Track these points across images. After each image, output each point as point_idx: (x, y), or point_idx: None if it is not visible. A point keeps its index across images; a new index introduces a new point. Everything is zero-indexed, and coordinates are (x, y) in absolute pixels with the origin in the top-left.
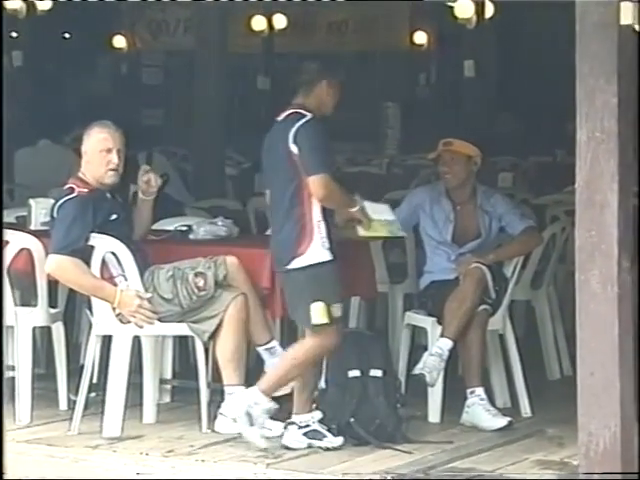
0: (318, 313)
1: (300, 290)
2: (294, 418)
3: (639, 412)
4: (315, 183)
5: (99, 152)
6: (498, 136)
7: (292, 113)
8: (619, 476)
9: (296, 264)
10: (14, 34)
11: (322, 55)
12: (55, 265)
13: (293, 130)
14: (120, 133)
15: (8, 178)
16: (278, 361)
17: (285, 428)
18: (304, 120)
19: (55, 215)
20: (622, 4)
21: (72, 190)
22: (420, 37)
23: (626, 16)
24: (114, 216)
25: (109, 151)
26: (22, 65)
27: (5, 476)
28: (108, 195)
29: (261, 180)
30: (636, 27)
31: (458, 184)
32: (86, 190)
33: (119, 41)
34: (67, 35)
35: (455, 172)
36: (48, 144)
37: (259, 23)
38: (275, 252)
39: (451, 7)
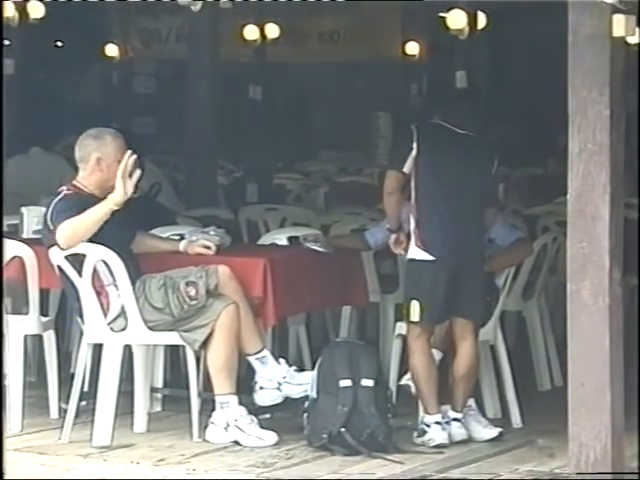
0: None
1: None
2: (455, 414)
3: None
4: (494, 213)
5: (117, 162)
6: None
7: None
8: None
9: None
10: (6, 42)
11: (313, 65)
12: (60, 234)
13: (493, 154)
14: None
15: None
16: (465, 377)
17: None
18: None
19: (51, 221)
20: (614, 16)
21: (60, 193)
22: (412, 47)
23: (618, 28)
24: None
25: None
26: (13, 73)
27: (5, 476)
28: None
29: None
30: (628, 39)
31: None
32: (72, 192)
33: (111, 49)
34: (59, 43)
35: None
36: (39, 152)
37: (251, 32)
38: (469, 244)
39: (443, 18)
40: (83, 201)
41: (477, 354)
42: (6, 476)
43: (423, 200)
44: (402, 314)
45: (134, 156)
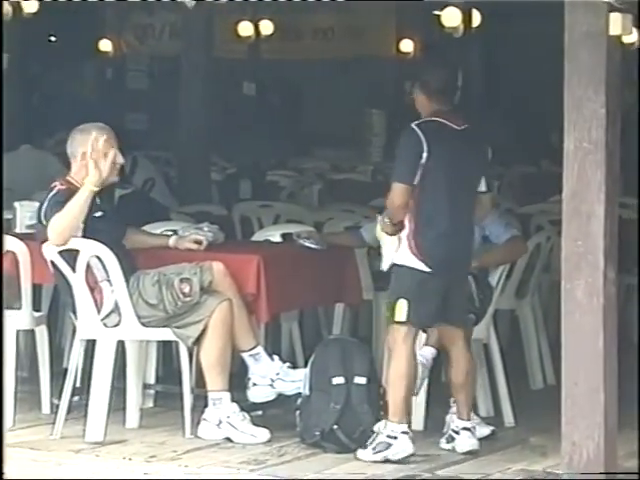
0: None
1: None
2: (464, 423)
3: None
4: (492, 200)
5: (105, 154)
6: None
7: (469, 126)
8: None
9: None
10: None
11: (307, 62)
12: (50, 233)
13: (488, 146)
14: (112, 132)
15: None
16: (466, 384)
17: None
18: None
19: (44, 218)
20: (611, 15)
21: (53, 188)
22: (406, 45)
23: (615, 27)
24: (99, 213)
25: (112, 152)
26: (7, 68)
27: (5, 476)
28: (97, 198)
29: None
30: (624, 38)
31: None
32: (65, 187)
33: (105, 45)
34: (53, 38)
35: None
36: (29, 149)
37: (246, 29)
38: (464, 253)
39: (438, 15)
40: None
41: (472, 358)
42: (6, 476)
43: (427, 208)
44: (386, 314)
45: (103, 137)
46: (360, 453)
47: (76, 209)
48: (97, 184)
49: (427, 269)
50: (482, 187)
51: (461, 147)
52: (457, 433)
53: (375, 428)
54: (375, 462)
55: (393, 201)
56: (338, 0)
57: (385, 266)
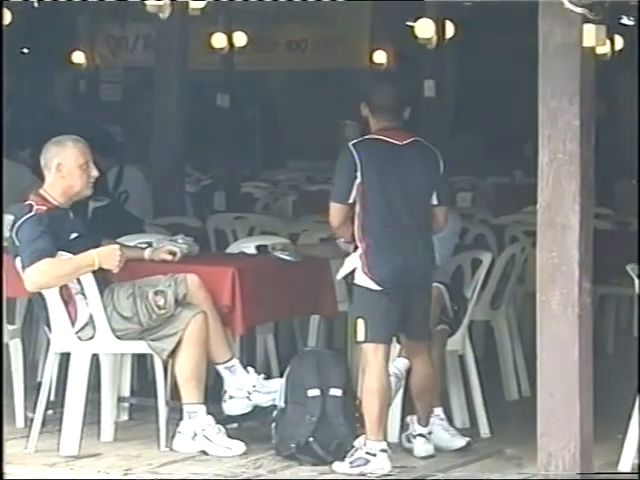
0: None
1: None
2: (420, 429)
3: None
4: (445, 213)
5: (79, 167)
6: (457, 156)
7: (416, 140)
8: None
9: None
10: None
11: (281, 73)
12: (32, 277)
13: (439, 158)
14: (87, 145)
15: None
16: (423, 392)
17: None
18: (437, 151)
19: (16, 237)
20: (585, 26)
21: (30, 208)
22: (380, 56)
23: (589, 38)
24: (74, 235)
25: (87, 164)
26: None
27: (5, 476)
28: (70, 213)
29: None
30: (598, 49)
31: None
32: (44, 208)
33: (78, 57)
34: (25, 50)
35: None
36: (5, 161)
37: (219, 40)
38: (418, 268)
39: (412, 27)
40: (53, 221)
41: (433, 367)
42: (6, 476)
43: (370, 227)
44: (352, 334)
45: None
46: (336, 466)
47: (68, 272)
48: (100, 266)
49: (378, 288)
50: (433, 200)
51: (403, 163)
52: (414, 438)
53: (355, 443)
54: (351, 475)
55: (331, 221)
56: (312, 10)
57: (339, 275)
